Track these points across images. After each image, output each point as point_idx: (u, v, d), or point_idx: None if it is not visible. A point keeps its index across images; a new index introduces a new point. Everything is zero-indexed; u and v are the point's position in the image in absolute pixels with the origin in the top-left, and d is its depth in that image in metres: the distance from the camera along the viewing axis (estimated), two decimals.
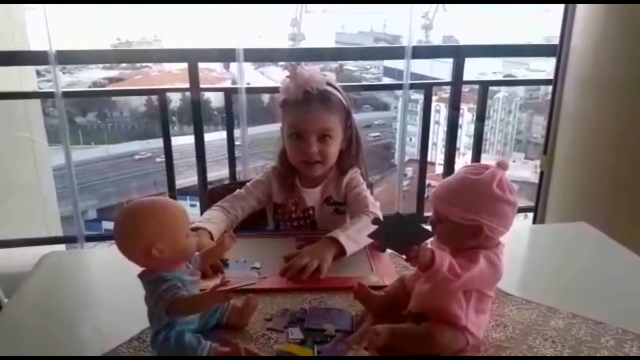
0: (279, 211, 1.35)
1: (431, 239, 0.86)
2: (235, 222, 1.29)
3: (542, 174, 2.48)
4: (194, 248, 0.85)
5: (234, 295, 0.82)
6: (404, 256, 0.82)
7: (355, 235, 1.14)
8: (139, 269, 0.83)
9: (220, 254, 0.93)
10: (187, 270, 0.85)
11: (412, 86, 2.46)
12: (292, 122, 1.30)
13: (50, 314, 0.99)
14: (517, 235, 1.33)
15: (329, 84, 1.30)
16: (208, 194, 1.50)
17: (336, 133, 1.30)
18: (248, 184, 1.37)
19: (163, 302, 0.78)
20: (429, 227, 0.86)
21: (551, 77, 2.36)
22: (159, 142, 2.58)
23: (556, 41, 2.30)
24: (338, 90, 1.32)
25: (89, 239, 2.54)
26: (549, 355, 0.84)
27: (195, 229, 1.11)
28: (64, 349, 0.88)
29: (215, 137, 3.63)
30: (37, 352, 0.87)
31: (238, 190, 1.36)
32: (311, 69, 1.31)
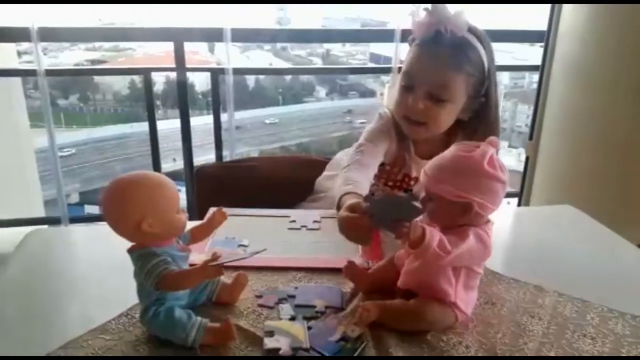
0: (384, 168, 1.19)
1: (421, 216, 0.86)
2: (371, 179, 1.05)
3: (527, 159, 2.51)
4: (184, 224, 0.84)
5: (224, 271, 0.82)
6: (394, 234, 0.82)
7: None
8: (126, 245, 0.82)
9: (211, 230, 0.92)
10: (177, 245, 0.85)
11: (400, 70, 2.45)
12: (406, 67, 1.10)
13: (36, 292, 0.97)
14: (505, 216, 1.35)
15: (472, 31, 1.05)
16: (196, 174, 1.48)
17: (454, 96, 1.07)
18: (370, 136, 1.16)
19: (153, 277, 0.77)
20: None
21: (537, 63, 2.37)
22: (141, 126, 2.56)
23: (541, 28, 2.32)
24: (482, 44, 1.06)
25: (72, 220, 2.51)
26: (535, 330, 0.85)
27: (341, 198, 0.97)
28: (52, 325, 0.87)
29: (199, 122, 3.60)
30: (24, 330, 0.86)
31: (359, 143, 1.16)
32: (459, 10, 1.03)
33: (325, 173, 1.45)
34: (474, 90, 1.09)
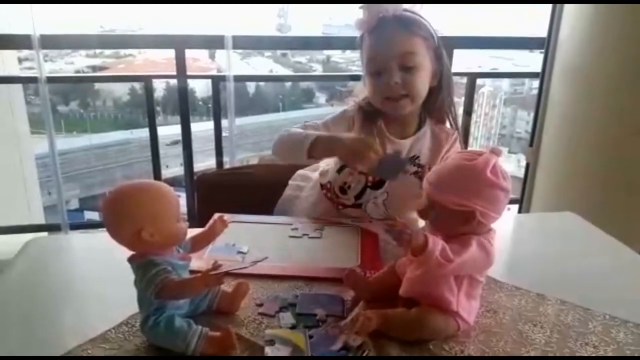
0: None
1: (422, 225, 0.86)
2: None
3: (527, 166, 2.51)
4: (185, 232, 0.84)
5: (225, 279, 0.81)
6: (395, 241, 0.82)
7: None
8: (127, 254, 0.81)
9: (211, 238, 0.91)
10: (177, 254, 0.84)
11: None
12: (370, 54, 1.15)
13: (36, 300, 0.97)
14: (507, 223, 1.34)
15: (407, 10, 1.15)
16: (197, 181, 1.48)
17: (422, 61, 1.14)
18: (326, 119, 1.21)
19: (154, 286, 0.77)
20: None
21: (537, 70, 2.38)
22: (141, 132, 2.56)
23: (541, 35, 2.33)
24: (420, 16, 1.16)
25: (72, 227, 2.50)
26: (537, 339, 0.85)
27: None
28: (52, 334, 0.87)
29: (199, 128, 3.60)
30: (23, 339, 0.85)
31: (313, 121, 1.20)
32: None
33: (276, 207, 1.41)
34: (432, 51, 1.16)
